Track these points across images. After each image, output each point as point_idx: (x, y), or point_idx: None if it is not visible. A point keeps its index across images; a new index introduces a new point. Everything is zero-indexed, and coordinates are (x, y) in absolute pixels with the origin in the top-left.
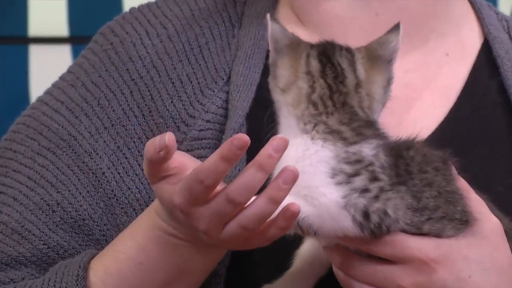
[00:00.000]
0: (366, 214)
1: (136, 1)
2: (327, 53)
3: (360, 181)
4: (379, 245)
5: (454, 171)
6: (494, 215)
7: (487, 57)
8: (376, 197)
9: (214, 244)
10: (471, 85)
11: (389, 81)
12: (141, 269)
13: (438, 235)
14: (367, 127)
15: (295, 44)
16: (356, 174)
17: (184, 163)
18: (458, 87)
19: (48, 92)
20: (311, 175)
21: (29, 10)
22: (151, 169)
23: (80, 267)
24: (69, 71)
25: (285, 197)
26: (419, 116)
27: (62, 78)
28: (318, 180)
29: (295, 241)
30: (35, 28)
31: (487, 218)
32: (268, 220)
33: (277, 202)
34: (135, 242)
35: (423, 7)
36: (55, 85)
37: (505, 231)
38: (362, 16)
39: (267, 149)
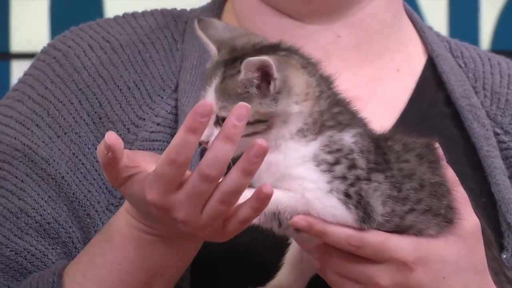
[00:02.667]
0: (347, 195)
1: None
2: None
3: (339, 169)
4: (361, 246)
5: (441, 157)
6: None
7: (432, 73)
8: (352, 184)
9: (194, 233)
10: (417, 96)
11: None
12: (120, 270)
13: (420, 231)
14: (349, 117)
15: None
16: (336, 162)
17: (143, 162)
18: (405, 99)
19: None
20: (298, 167)
21: (11, 26)
22: (110, 173)
23: (54, 274)
24: (14, 89)
25: (256, 170)
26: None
27: (6, 97)
28: (304, 170)
29: (254, 256)
30: (17, 43)
31: (468, 218)
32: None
33: (250, 174)
34: (111, 244)
35: (381, 27)
36: (1, 104)
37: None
38: (324, 38)
39: (231, 119)
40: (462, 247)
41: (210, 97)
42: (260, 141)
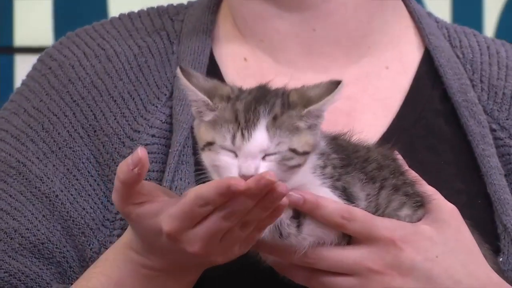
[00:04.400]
0: (335, 187)
1: (122, 10)
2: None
3: (328, 171)
4: (351, 219)
5: (402, 163)
6: None
7: (428, 67)
8: (338, 180)
9: (210, 261)
10: (412, 96)
11: None
12: None
13: (398, 210)
14: None
15: None
16: (325, 166)
17: (153, 190)
18: (400, 99)
19: None
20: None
21: (15, 20)
22: (125, 192)
23: None
24: (11, 100)
25: (275, 205)
26: (363, 127)
27: (4, 108)
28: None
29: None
30: (21, 38)
31: (444, 202)
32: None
33: (269, 209)
34: (109, 278)
35: (358, 24)
36: None
37: None
38: (301, 31)
39: (260, 184)
40: (446, 228)
41: (261, 137)
42: (283, 186)
